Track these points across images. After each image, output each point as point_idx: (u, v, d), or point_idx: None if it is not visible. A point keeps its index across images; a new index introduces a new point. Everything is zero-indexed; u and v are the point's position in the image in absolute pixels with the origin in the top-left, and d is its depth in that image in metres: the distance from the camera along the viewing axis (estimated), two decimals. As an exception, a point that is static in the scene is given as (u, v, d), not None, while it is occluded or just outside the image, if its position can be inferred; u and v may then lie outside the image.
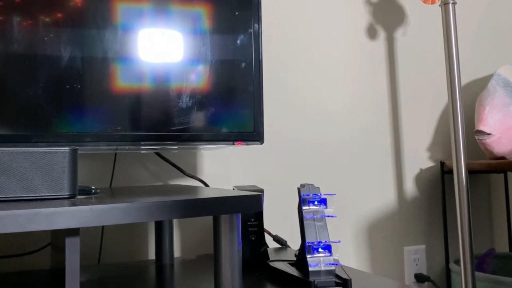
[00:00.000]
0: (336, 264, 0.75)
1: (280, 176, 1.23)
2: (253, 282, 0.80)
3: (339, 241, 0.78)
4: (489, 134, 1.25)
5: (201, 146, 0.95)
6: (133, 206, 0.59)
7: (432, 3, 1.20)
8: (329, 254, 0.75)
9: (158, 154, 1.07)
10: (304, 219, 0.77)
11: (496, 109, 1.27)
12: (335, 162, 1.30)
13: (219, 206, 0.65)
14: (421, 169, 1.41)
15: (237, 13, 0.89)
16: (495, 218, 1.50)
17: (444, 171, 1.38)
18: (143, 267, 0.93)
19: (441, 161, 1.39)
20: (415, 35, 1.43)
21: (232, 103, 0.88)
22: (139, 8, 0.83)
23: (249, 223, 0.94)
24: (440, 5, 1.20)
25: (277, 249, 1.05)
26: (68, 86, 0.77)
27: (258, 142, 0.90)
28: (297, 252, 0.82)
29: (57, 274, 0.65)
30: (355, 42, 1.36)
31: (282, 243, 1.11)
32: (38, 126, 0.76)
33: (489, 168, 1.26)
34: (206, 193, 0.73)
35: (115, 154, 1.05)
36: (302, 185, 0.79)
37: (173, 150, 1.04)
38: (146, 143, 0.82)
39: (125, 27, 0.81)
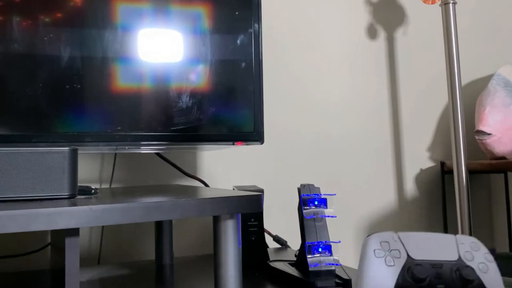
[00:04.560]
0: (336, 264, 0.75)
1: (280, 176, 1.23)
2: (253, 282, 0.80)
3: (339, 241, 0.78)
4: (489, 134, 1.25)
5: (201, 146, 0.95)
6: (133, 206, 0.59)
7: (432, 3, 1.20)
8: (329, 254, 0.75)
9: (158, 154, 1.07)
10: (304, 219, 0.77)
11: (497, 109, 1.27)
12: (335, 162, 1.30)
13: (219, 206, 0.65)
14: (421, 169, 1.41)
15: (237, 13, 0.89)
16: (495, 218, 1.50)
17: (444, 171, 1.38)
18: (143, 267, 0.93)
19: (441, 161, 1.39)
20: (415, 35, 1.43)
21: (232, 103, 0.88)
22: (139, 8, 0.83)
23: (249, 223, 0.94)
24: (440, 5, 1.20)
25: (277, 249, 1.05)
26: (68, 86, 0.77)
27: (258, 142, 0.90)
28: (297, 252, 0.82)
29: (57, 274, 0.64)
30: (355, 42, 1.36)
31: (282, 243, 1.11)
32: (38, 126, 0.76)
33: (489, 168, 1.26)
34: (206, 193, 0.73)
35: (115, 154, 1.05)
36: (302, 185, 0.79)
37: (173, 150, 1.04)
38: (146, 143, 0.82)
39: (125, 27, 0.81)
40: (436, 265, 0.40)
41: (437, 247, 0.41)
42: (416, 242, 0.41)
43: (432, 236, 0.43)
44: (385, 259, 0.40)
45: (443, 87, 1.46)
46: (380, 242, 0.41)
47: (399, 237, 0.42)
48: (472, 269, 0.41)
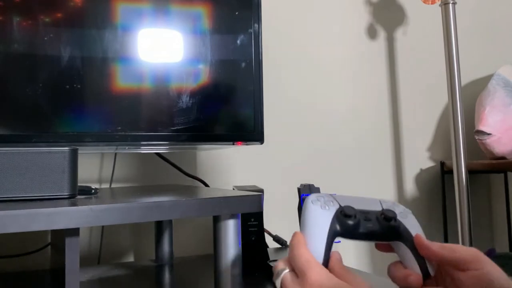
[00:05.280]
0: (336, 264, 0.74)
1: (280, 176, 1.23)
2: (253, 282, 0.80)
3: (339, 241, 0.78)
4: (489, 134, 1.25)
5: (201, 146, 0.95)
6: (133, 206, 0.59)
7: (432, 3, 1.20)
8: (329, 254, 0.75)
9: (158, 154, 1.07)
10: (304, 219, 0.77)
11: (496, 109, 1.27)
12: (335, 162, 1.30)
13: (219, 206, 0.65)
14: (421, 169, 1.41)
15: (237, 13, 0.89)
16: (495, 218, 1.50)
17: (444, 171, 1.38)
18: (143, 267, 0.93)
19: (441, 161, 1.39)
20: (415, 35, 1.43)
21: (232, 103, 0.88)
22: (139, 8, 0.83)
23: (249, 223, 0.93)
24: (440, 5, 1.20)
25: (277, 249, 1.05)
26: (68, 86, 0.77)
27: (258, 142, 0.90)
28: (297, 252, 0.82)
29: (57, 274, 0.65)
30: (355, 42, 1.36)
31: (282, 243, 1.11)
32: (38, 126, 0.76)
33: (489, 168, 1.26)
34: (206, 193, 0.73)
35: (115, 154, 1.05)
36: (302, 185, 0.79)
37: (173, 150, 1.04)
38: (146, 143, 0.82)
39: (125, 27, 0.81)
40: (364, 212, 0.50)
41: (364, 203, 0.52)
42: (346, 198, 0.51)
43: (359, 197, 0.53)
44: (320, 206, 0.49)
45: (443, 87, 1.45)
46: (317, 197, 0.50)
47: (331, 195, 0.52)
48: (394, 212, 0.51)
